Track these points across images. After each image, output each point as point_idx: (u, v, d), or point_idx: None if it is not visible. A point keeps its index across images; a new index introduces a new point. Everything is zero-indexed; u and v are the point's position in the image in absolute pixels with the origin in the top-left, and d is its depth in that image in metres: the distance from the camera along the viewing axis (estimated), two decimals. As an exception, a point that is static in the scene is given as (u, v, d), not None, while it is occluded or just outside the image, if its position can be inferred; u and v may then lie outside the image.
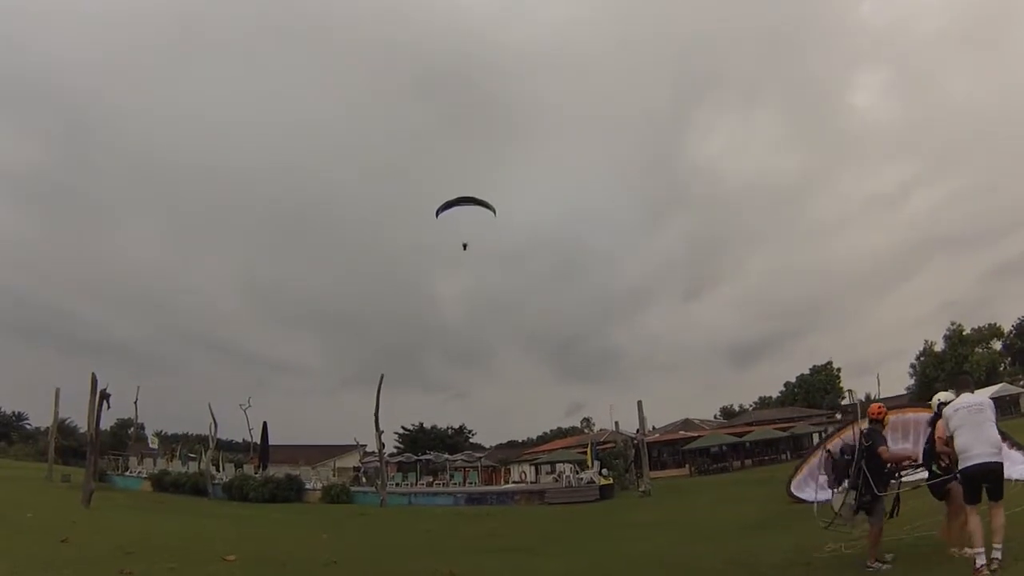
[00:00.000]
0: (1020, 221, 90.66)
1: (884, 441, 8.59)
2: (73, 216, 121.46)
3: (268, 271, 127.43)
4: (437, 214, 26.42)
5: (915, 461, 8.77)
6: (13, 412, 78.66)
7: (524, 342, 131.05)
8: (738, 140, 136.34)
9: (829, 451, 9.37)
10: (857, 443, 8.59)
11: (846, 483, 8.68)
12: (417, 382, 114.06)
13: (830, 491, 9.08)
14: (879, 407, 8.98)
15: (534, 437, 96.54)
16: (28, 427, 77.39)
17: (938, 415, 8.32)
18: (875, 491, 8.28)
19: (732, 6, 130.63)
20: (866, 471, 8.29)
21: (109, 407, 27.89)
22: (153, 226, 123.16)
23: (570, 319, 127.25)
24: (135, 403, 43.97)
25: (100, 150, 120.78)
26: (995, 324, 70.63)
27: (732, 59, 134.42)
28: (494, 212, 26.66)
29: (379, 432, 34.35)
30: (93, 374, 27.06)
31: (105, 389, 27.06)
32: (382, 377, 34.05)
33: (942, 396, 8.67)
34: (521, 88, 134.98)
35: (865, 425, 8.87)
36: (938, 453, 8.21)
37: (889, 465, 8.55)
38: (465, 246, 26.33)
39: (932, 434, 8.44)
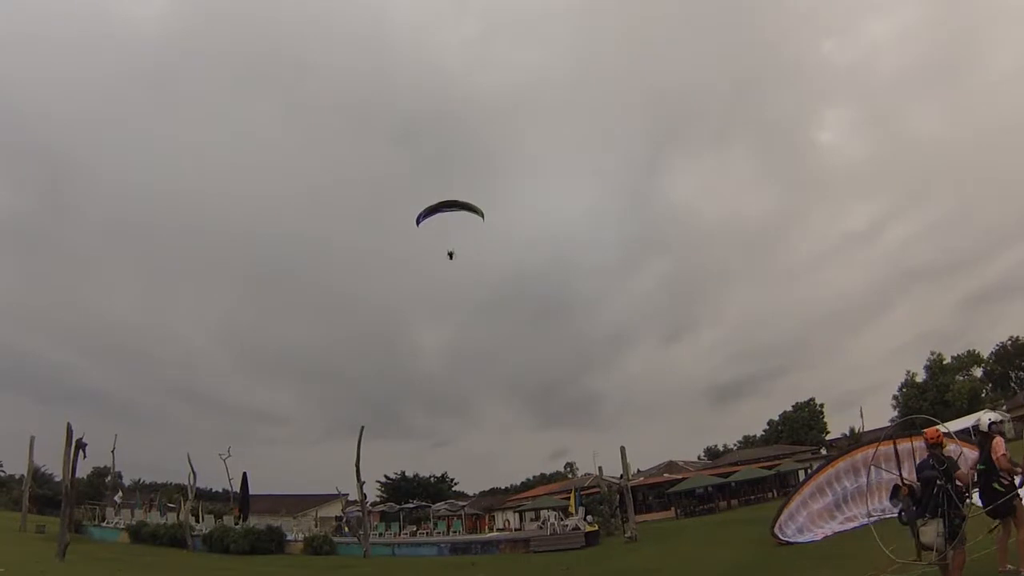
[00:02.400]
0: (990, 250, 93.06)
1: (958, 465, 8.58)
2: (52, 264, 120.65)
3: (249, 322, 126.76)
4: (418, 222, 24.84)
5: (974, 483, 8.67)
6: None
7: (505, 389, 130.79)
8: (711, 182, 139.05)
9: (907, 483, 9.18)
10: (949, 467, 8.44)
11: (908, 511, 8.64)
12: (399, 431, 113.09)
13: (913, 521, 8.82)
14: (936, 431, 8.93)
15: (518, 483, 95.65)
16: (1, 475, 75.51)
17: (989, 434, 8.38)
18: (964, 515, 8.15)
19: (700, 50, 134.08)
20: (954, 495, 8.14)
21: (86, 456, 27.58)
22: (132, 276, 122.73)
23: (551, 364, 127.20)
24: (112, 452, 43.22)
25: (80, 200, 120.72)
26: (974, 351, 71.32)
27: (702, 102, 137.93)
28: (482, 216, 25.20)
29: (361, 483, 33.98)
30: (68, 424, 26.67)
31: (81, 438, 26.71)
32: (362, 429, 33.82)
33: (990, 415, 8.74)
34: (497, 137, 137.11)
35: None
36: (1001, 470, 8.23)
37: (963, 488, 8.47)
38: (451, 255, 24.82)
39: (984, 454, 8.48)
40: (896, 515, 9.27)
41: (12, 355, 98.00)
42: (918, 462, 8.91)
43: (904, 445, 16.48)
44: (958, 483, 8.25)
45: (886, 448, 14.73)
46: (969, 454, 9.52)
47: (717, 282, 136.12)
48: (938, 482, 8.29)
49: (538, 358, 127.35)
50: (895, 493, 9.30)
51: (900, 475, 9.45)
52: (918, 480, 8.75)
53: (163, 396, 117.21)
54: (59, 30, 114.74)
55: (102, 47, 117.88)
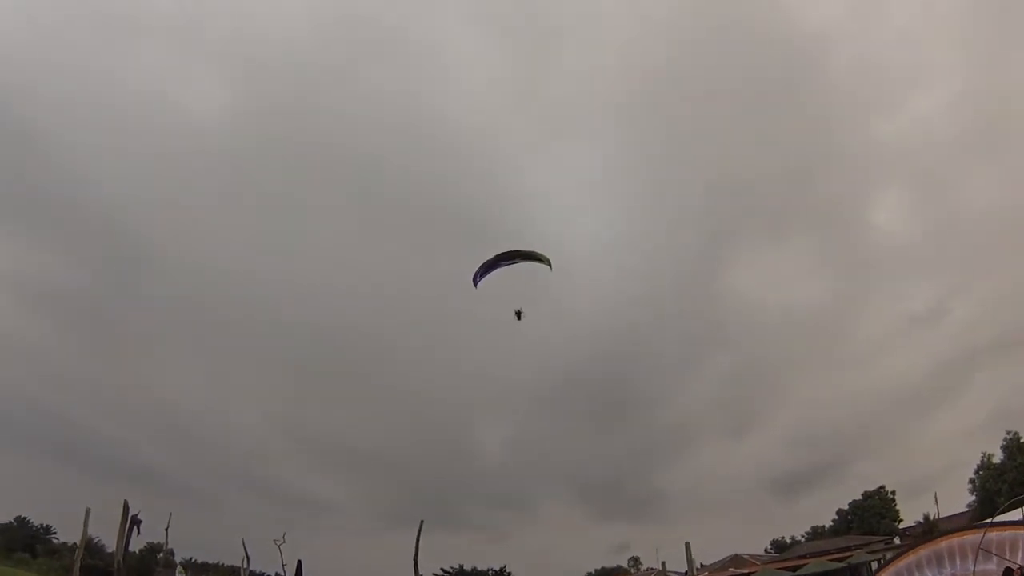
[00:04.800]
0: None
1: None
2: (117, 343, 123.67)
3: (310, 410, 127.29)
4: (475, 282, 22.48)
5: None
6: (41, 524, 77.67)
7: (566, 483, 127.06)
8: (769, 271, 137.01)
9: (1020, 568, 8.72)
10: None
11: None
12: (456, 523, 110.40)
13: None
14: None
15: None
16: (55, 541, 76.15)
17: None
18: None
19: (750, 140, 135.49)
20: None
21: (140, 533, 27.85)
22: (195, 360, 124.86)
23: (614, 459, 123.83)
24: (166, 530, 43.20)
25: (149, 282, 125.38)
26: (1054, 425, 67.24)
27: (755, 191, 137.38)
28: (549, 264, 22.64)
29: None
30: (125, 501, 27.13)
31: (137, 515, 27.08)
32: (422, 523, 33.50)
33: None
34: (555, 230, 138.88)
35: None
36: None
37: None
38: (519, 314, 22.69)
39: None
40: None
41: (74, 430, 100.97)
42: None
43: (1008, 533, 15.43)
44: None
45: (985, 535, 13.96)
46: None
47: (781, 372, 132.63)
48: None
49: (600, 452, 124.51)
50: None
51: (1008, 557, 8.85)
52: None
53: (221, 479, 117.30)
54: (128, 116, 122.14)
55: (170, 134, 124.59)
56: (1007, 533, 13.79)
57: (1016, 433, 66.84)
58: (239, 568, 37.15)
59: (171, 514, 43.92)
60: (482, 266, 22.35)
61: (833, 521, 79.37)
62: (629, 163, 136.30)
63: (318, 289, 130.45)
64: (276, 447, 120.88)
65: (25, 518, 77.09)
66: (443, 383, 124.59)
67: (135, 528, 26.73)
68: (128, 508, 26.15)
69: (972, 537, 14.19)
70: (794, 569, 53.16)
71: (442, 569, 69.37)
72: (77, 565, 39.66)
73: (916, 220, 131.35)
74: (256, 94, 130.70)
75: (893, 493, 73.88)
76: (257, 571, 48.31)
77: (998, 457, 66.75)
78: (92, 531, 43.37)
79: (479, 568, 71.71)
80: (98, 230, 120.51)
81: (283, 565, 43.10)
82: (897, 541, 57.46)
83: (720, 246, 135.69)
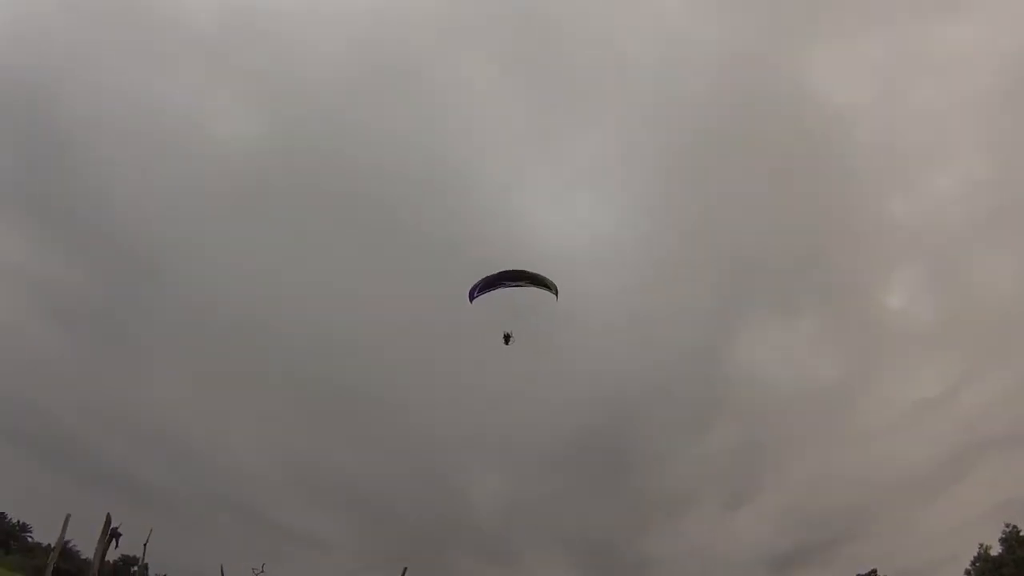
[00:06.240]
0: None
1: None
2: (121, 354, 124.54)
3: (305, 444, 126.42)
4: (471, 297, 19.92)
5: None
6: (17, 521, 76.81)
7: (558, 542, 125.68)
8: (781, 346, 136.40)
9: None
10: None
11: None
12: (442, 573, 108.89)
13: None
14: None
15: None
16: (30, 539, 75.29)
17: None
18: None
19: (770, 218, 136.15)
20: None
21: (118, 545, 27.41)
22: (198, 381, 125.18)
23: (606, 523, 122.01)
24: (144, 544, 42.65)
25: (159, 298, 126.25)
26: (1054, 519, 65.48)
27: (771, 268, 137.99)
28: (556, 293, 20.49)
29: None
30: (108, 514, 26.68)
31: (117, 527, 26.65)
32: (405, 570, 33.04)
33: None
34: (565, 295, 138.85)
35: None
36: None
37: None
38: (508, 338, 20.66)
39: None
40: None
41: (65, 433, 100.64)
42: None
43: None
44: None
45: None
46: None
47: (783, 447, 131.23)
48: None
49: (594, 515, 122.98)
50: None
51: None
52: None
53: (208, 499, 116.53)
54: (157, 138, 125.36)
55: (195, 159, 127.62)
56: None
57: (1015, 527, 65.34)
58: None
59: (152, 529, 43.46)
60: (482, 281, 20.19)
61: (824, 604, 77.77)
62: (643, 232, 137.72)
63: (330, 325, 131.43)
64: (269, 476, 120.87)
65: (3, 513, 76.46)
66: (444, 431, 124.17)
67: (114, 540, 26.26)
68: (110, 521, 25.75)
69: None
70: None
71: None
72: (50, 569, 38.99)
73: (931, 302, 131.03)
74: (283, 130, 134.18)
75: (884, 579, 72.39)
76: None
77: (996, 549, 65.31)
78: (69, 533, 43.12)
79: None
80: (114, 242, 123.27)
81: (260, 594, 42.58)
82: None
83: (732, 317, 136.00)
